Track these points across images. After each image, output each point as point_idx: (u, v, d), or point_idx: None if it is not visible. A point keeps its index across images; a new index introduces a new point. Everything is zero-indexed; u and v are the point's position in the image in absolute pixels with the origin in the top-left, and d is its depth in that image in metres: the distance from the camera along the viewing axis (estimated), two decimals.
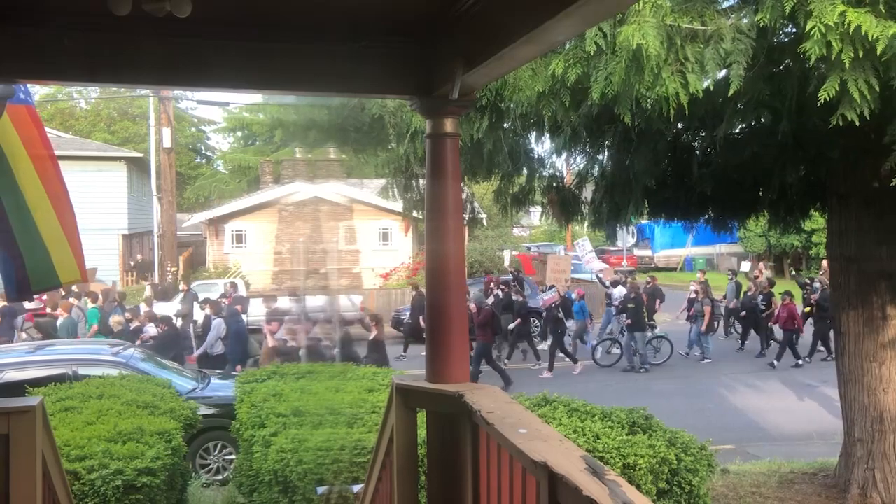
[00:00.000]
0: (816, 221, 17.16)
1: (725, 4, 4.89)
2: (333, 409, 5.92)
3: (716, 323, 17.41)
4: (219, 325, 13.10)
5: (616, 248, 34.90)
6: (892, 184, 5.34)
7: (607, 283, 18.71)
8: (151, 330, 13.36)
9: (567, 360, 15.11)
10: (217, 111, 43.69)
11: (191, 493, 6.56)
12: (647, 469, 4.79)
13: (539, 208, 8.44)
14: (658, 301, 19.29)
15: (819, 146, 5.87)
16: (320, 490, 4.98)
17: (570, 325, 16.12)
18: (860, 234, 6.67)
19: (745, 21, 4.47)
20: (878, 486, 6.66)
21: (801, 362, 15.15)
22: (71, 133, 34.03)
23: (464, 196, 7.08)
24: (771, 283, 17.97)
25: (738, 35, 4.40)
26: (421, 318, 15.89)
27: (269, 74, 3.16)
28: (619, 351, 16.07)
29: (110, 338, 12.42)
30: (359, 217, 25.90)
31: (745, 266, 25.08)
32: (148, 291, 18.10)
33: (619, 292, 16.99)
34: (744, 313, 17.38)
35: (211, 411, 8.17)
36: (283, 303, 16.51)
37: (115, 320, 13.58)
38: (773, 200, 6.78)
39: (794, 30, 4.82)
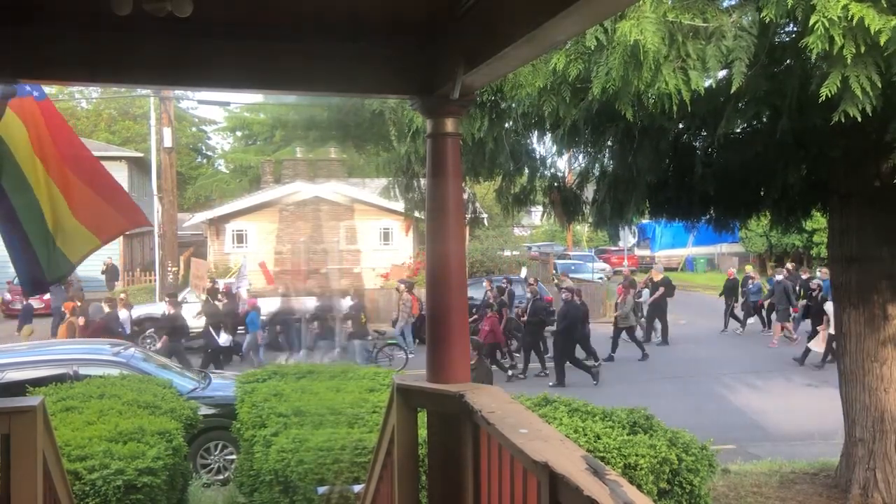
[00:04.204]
0: (818, 221, 17.13)
1: (726, 3, 4.88)
2: (334, 409, 5.92)
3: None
4: None
5: (617, 248, 34.90)
6: (894, 182, 5.34)
7: (336, 296, 17.80)
8: None
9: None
10: (218, 111, 43.79)
11: (192, 493, 6.56)
12: (648, 469, 4.79)
13: (540, 208, 8.43)
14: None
15: (820, 145, 5.87)
16: (321, 490, 4.97)
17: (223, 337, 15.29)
18: (861, 234, 6.66)
19: (746, 20, 4.46)
20: (880, 486, 6.65)
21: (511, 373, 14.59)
22: None
23: (465, 196, 7.08)
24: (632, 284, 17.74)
25: (739, 32, 4.39)
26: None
27: (269, 74, 3.16)
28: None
29: None
30: (360, 217, 25.88)
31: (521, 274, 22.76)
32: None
33: (348, 302, 16.05)
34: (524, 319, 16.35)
35: (212, 411, 8.18)
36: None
37: None
38: (775, 200, 6.77)
39: (796, 28, 4.82)
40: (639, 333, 17.19)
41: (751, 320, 19.60)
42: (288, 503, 5.12)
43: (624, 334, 16.22)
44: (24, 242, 3.66)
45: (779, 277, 18.66)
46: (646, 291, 18.49)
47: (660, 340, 17.94)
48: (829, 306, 14.53)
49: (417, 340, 16.57)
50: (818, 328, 14.80)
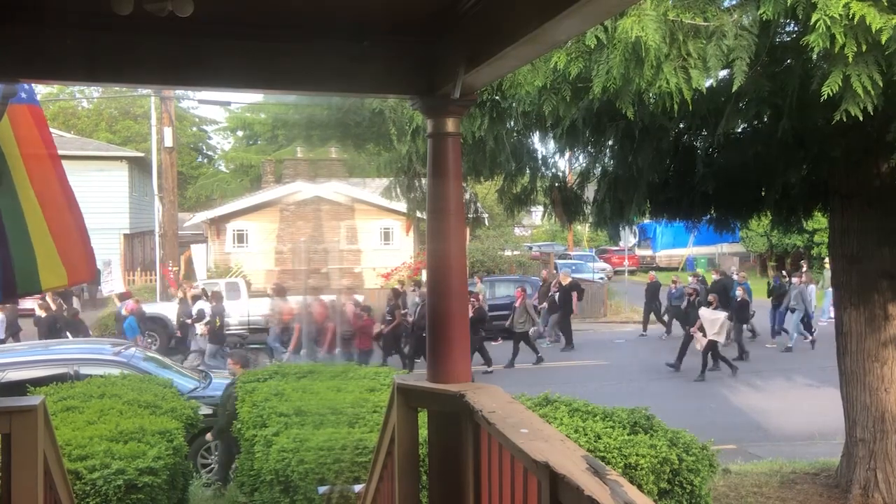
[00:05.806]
0: (819, 221, 17.07)
1: (727, 2, 4.88)
2: (335, 409, 5.92)
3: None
4: None
5: (618, 248, 34.87)
6: (895, 182, 5.34)
7: (190, 301, 17.04)
8: None
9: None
10: (218, 111, 43.78)
11: (192, 493, 6.57)
12: (648, 469, 4.79)
13: (541, 208, 8.44)
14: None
15: (821, 145, 5.86)
16: (322, 490, 4.97)
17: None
18: (862, 234, 6.66)
19: (747, 19, 4.46)
20: (880, 486, 6.65)
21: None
22: (73, 132, 34.10)
23: (466, 196, 7.08)
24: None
25: (740, 31, 4.39)
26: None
27: (270, 74, 3.16)
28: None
29: None
30: (360, 216, 25.90)
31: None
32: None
33: (201, 307, 15.48)
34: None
35: (212, 411, 8.18)
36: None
37: None
38: (776, 200, 6.77)
39: (797, 27, 4.82)
40: (536, 337, 16.85)
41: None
42: (288, 503, 5.12)
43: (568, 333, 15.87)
44: (2, 246, 3.58)
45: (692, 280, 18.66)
46: (556, 295, 18.36)
47: (564, 346, 17.66)
48: (703, 312, 14.30)
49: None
50: (691, 331, 14.58)
